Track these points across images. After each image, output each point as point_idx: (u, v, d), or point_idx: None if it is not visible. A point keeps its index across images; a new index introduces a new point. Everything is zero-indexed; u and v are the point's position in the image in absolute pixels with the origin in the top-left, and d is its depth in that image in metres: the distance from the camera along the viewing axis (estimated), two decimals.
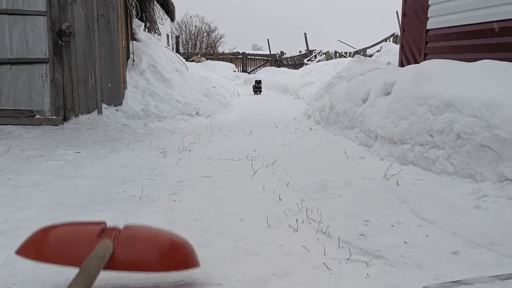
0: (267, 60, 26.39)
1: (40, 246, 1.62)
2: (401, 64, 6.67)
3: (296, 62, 22.07)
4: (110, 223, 1.70)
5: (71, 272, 2.03)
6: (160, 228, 1.43)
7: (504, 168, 2.91)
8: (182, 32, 27.85)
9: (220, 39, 28.79)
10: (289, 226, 2.58)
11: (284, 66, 23.11)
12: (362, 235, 2.45)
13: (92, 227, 1.41)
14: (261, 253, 2.24)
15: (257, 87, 13.94)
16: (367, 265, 2.08)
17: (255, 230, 2.56)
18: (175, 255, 1.53)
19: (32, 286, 1.93)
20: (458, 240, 2.34)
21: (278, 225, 2.63)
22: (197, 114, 7.31)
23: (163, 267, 1.63)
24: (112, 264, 1.51)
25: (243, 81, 20.06)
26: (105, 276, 1.72)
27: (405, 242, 2.32)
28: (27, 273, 2.05)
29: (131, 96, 6.93)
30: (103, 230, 1.37)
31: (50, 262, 1.72)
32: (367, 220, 2.66)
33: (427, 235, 2.42)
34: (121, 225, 1.63)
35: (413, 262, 2.10)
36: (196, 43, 27.63)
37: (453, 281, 1.91)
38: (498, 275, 1.95)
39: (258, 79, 14.45)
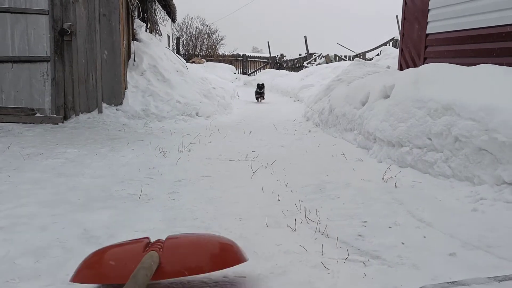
0: (267, 63, 26.44)
1: (94, 270, 1.71)
2: (401, 68, 6.70)
3: (296, 65, 22.13)
4: (152, 237, 1.74)
5: (71, 267, 2.04)
6: (205, 233, 1.49)
7: (502, 171, 2.93)
8: (183, 33, 27.90)
9: (220, 41, 28.86)
10: (288, 226, 2.60)
11: (284, 68, 23.17)
12: (360, 235, 2.47)
13: (137, 243, 1.47)
14: (260, 252, 2.25)
15: (260, 93, 11.66)
16: (365, 265, 2.10)
17: (254, 229, 2.58)
18: (223, 253, 1.60)
19: (32, 281, 1.94)
20: (455, 242, 2.36)
21: (277, 225, 2.64)
22: (196, 115, 7.33)
23: (213, 267, 1.70)
24: (161, 273, 1.58)
25: (243, 83, 20.09)
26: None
27: (403, 243, 2.34)
28: (26, 268, 2.06)
29: (131, 96, 6.95)
30: (147, 245, 1.43)
31: (105, 283, 1.77)
32: (365, 221, 2.68)
33: (424, 237, 2.43)
34: (164, 237, 1.69)
35: (411, 262, 2.12)
36: (196, 45, 27.67)
37: (450, 282, 1.92)
38: (494, 277, 1.96)
39: (260, 83, 12.07)
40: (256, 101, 11.51)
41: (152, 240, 1.78)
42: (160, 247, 1.38)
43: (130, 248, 1.48)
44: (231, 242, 1.55)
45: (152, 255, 1.28)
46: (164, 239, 1.47)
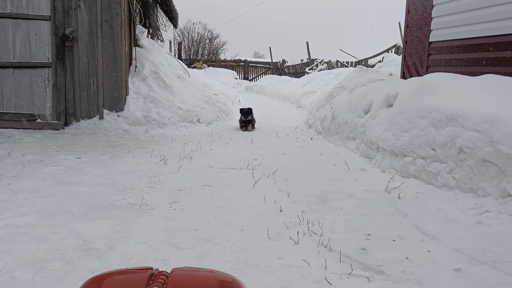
0: (269, 68, 26.43)
1: None
2: (403, 76, 6.68)
3: (298, 71, 22.11)
4: (148, 263, 1.69)
5: (70, 280, 2.01)
6: (208, 269, 1.43)
7: (507, 183, 2.89)
8: (185, 38, 27.90)
9: (222, 46, 28.83)
10: (290, 238, 2.57)
11: (285, 74, 23.14)
12: (363, 249, 2.43)
13: (140, 274, 1.41)
14: (261, 266, 2.22)
15: (245, 121, 7.40)
16: (369, 280, 2.06)
17: (256, 241, 2.54)
18: None
19: None
20: (460, 257, 2.32)
21: (279, 237, 2.61)
22: (198, 121, 7.31)
23: None
24: None
25: (244, 88, 20.10)
26: None
27: (407, 258, 2.30)
28: (25, 281, 2.03)
29: (132, 102, 6.93)
30: (151, 277, 1.37)
31: None
32: (369, 234, 2.64)
33: (429, 251, 2.40)
34: (160, 265, 1.64)
35: (415, 278, 2.08)
36: (198, 50, 27.67)
37: None
38: None
39: (246, 108, 7.60)
40: (241, 129, 7.42)
41: (152, 264, 1.72)
42: (163, 281, 1.33)
43: (132, 279, 1.42)
44: (232, 281, 1.50)
45: None
46: (168, 272, 1.41)
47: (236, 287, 1.66)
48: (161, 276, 1.54)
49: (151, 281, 1.51)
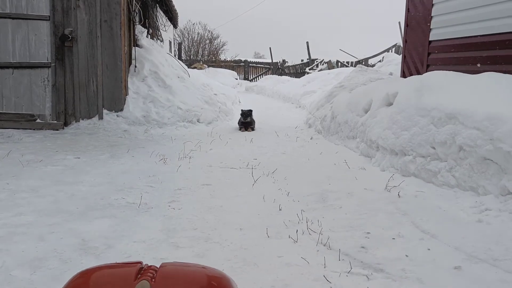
0: (269, 68, 26.43)
1: None
2: (403, 75, 6.66)
3: (298, 71, 22.10)
4: (146, 262, 1.68)
5: (67, 279, 2.00)
6: (197, 264, 1.41)
7: (507, 181, 2.88)
8: (185, 39, 27.96)
9: (222, 46, 28.92)
10: (289, 237, 2.55)
11: (286, 74, 23.14)
12: (363, 247, 2.42)
13: (128, 269, 1.39)
14: (261, 264, 2.21)
15: (244, 123, 7.25)
16: (368, 278, 2.05)
17: (255, 240, 2.53)
18: None
19: None
20: (460, 255, 2.31)
21: (278, 236, 2.60)
22: (198, 121, 7.30)
23: None
24: None
25: (244, 88, 20.11)
26: None
27: (407, 256, 2.29)
28: (23, 280, 2.02)
29: (132, 102, 6.92)
30: (139, 271, 1.35)
31: None
32: (368, 233, 2.63)
33: (428, 249, 2.38)
34: (158, 263, 1.65)
35: (415, 276, 2.07)
36: (198, 50, 27.73)
37: None
38: None
39: (246, 110, 7.39)
40: (239, 129, 7.26)
41: (151, 262, 1.71)
42: (152, 276, 1.31)
43: (121, 273, 1.40)
44: (221, 277, 1.48)
45: (144, 285, 1.22)
46: (157, 266, 1.39)
47: (224, 282, 1.64)
48: (150, 270, 1.52)
49: (139, 275, 1.49)
